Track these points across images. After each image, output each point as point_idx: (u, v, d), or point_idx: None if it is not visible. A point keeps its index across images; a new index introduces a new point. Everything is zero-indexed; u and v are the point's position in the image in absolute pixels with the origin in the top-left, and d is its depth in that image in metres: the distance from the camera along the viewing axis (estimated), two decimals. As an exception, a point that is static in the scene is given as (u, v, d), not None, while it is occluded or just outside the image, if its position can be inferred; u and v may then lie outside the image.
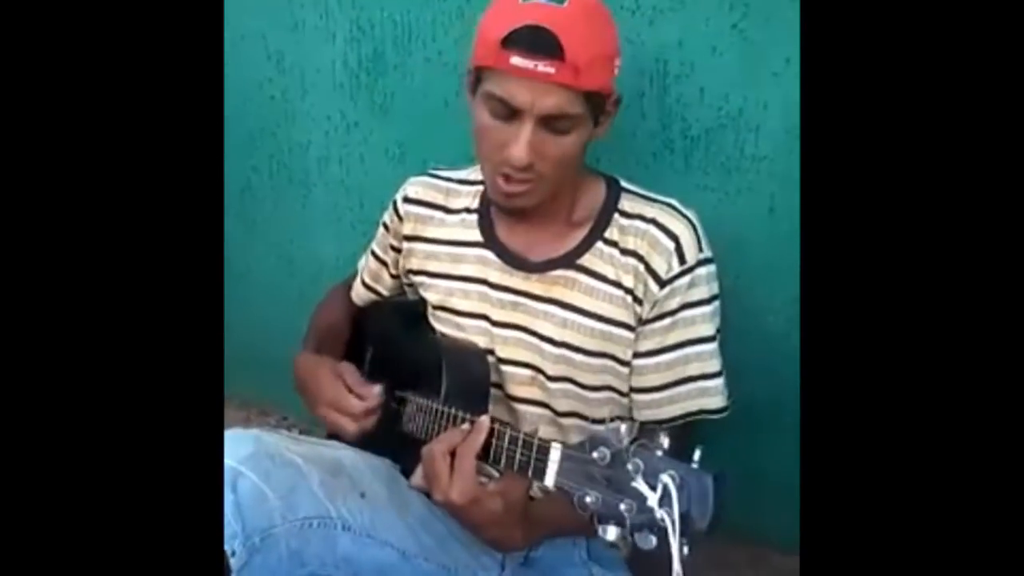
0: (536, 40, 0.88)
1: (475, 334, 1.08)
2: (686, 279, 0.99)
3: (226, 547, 0.87)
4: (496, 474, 0.91)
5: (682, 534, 0.67)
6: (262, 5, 1.53)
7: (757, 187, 1.22)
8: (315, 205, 1.65)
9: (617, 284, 1.01)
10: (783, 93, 1.16)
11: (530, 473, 0.83)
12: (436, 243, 1.12)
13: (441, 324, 1.12)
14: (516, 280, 1.06)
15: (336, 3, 1.46)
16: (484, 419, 0.89)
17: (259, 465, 0.92)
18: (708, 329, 1.01)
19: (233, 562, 0.88)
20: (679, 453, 0.73)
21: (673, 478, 0.68)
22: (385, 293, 1.24)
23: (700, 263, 1.00)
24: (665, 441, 0.71)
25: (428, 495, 0.94)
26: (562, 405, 1.06)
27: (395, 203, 1.16)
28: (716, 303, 1.03)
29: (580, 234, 1.04)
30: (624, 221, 1.03)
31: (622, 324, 1.02)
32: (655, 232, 1.00)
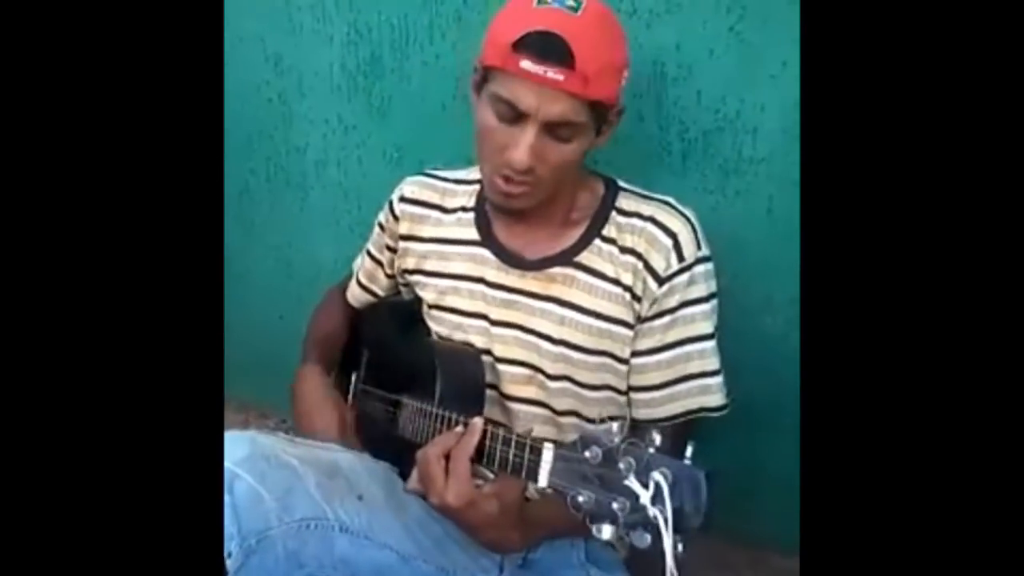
0: (548, 46, 0.88)
1: (472, 333, 1.08)
2: (685, 276, 0.99)
3: (222, 549, 0.87)
4: (492, 475, 0.91)
5: (675, 531, 0.67)
6: (260, 8, 1.54)
7: (755, 189, 1.22)
8: (313, 207, 1.65)
9: (616, 282, 1.01)
10: (780, 95, 1.16)
11: (523, 474, 0.83)
12: (432, 242, 1.12)
13: (438, 324, 1.12)
14: (513, 278, 1.06)
15: (334, 6, 1.47)
16: (477, 421, 0.89)
17: (255, 467, 0.92)
18: (707, 327, 1.02)
19: (229, 564, 0.87)
20: (677, 451, 0.73)
21: (665, 475, 0.68)
22: (381, 293, 1.24)
23: (698, 260, 1.00)
24: (657, 439, 0.71)
25: (425, 498, 0.93)
26: (561, 404, 1.06)
27: (391, 203, 1.16)
28: (714, 301, 1.03)
29: (577, 232, 1.04)
30: (622, 219, 1.03)
31: (621, 322, 1.02)
32: (653, 229, 1.01)
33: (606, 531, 0.72)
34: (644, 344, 1.02)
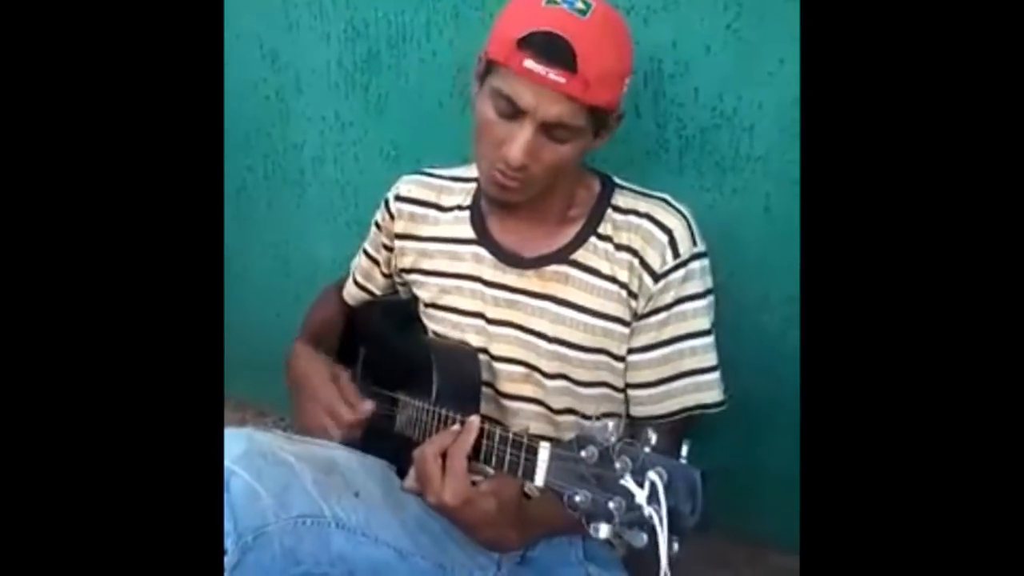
0: (552, 48, 0.88)
1: (469, 332, 1.08)
2: (680, 273, 0.99)
3: (218, 546, 0.87)
4: (490, 471, 0.91)
5: (671, 531, 0.67)
6: (257, 5, 1.53)
7: (752, 186, 1.22)
8: (310, 205, 1.65)
9: (612, 279, 1.01)
10: (777, 93, 1.15)
11: (520, 473, 0.83)
12: (429, 241, 1.12)
13: (434, 322, 1.12)
14: (510, 277, 1.06)
15: (331, 3, 1.46)
16: (474, 419, 0.89)
17: (251, 464, 0.92)
18: (703, 323, 1.02)
19: (226, 560, 0.88)
20: (674, 449, 0.73)
21: (661, 475, 0.68)
22: (377, 292, 1.24)
23: (694, 257, 1.00)
24: (653, 438, 0.71)
25: (422, 497, 0.93)
26: (558, 402, 1.06)
27: (387, 201, 1.16)
28: (711, 297, 1.03)
29: (573, 230, 1.04)
30: (618, 216, 1.03)
31: (617, 319, 1.02)
32: (649, 226, 1.01)
33: (603, 530, 0.72)
34: (640, 341, 1.02)
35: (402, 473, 1.05)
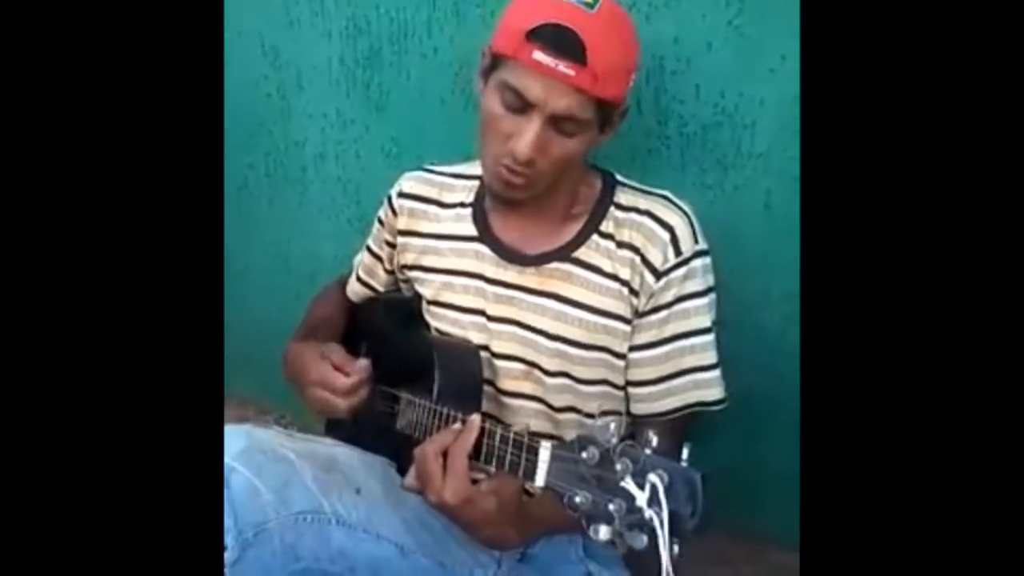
0: (561, 40, 0.88)
1: (471, 329, 1.08)
2: (682, 271, 0.99)
3: (219, 542, 0.87)
4: (491, 470, 0.91)
5: (671, 533, 0.67)
6: (258, 2, 1.53)
7: (753, 183, 1.22)
8: (312, 202, 1.64)
9: (613, 277, 1.01)
10: (779, 90, 1.15)
11: (521, 473, 0.83)
12: (431, 238, 1.12)
13: (436, 319, 1.12)
14: (511, 274, 1.05)
15: (332, 0, 1.46)
16: (475, 418, 0.89)
17: (252, 460, 0.92)
18: (704, 321, 1.01)
19: (226, 556, 0.88)
20: (675, 447, 0.73)
21: (661, 477, 0.68)
22: (380, 288, 1.24)
23: (696, 255, 1.00)
24: (654, 440, 0.71)
25: (422, 495, 0.93)
26: (558, 400, 1.06)
27: (389, 198, 1.16)
28: (712, 295, 1.03)
29: (575, 227, 1.04)
30: (619, 214, 1.03)
31: (618, 317, 1.02)
32: (650, 224, 1.00)
33: (602, 532, 0.72)
34: (641, 339, 1.02)
35: (402, 471, 1.05)
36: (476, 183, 1.11)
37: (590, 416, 1.06)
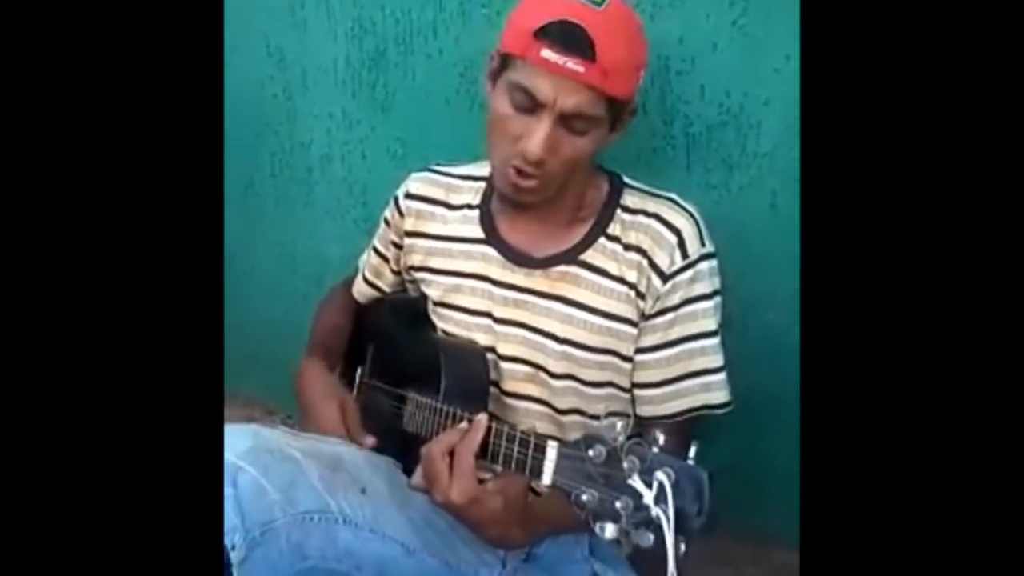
0: (570, 37, 0.88)
1: (477, 331, 1.08)
2: (688, 273, 0.99)
3: (226, 541, 0.87)
4: (498, 469, 0.91)
5: (678, 531, 0.67)
6: (264, 3, 1.54)
7: (758, 183, 1.22)
8: (318, 203, 1.65)
9: (620, 280, 1.01)
10: (784, 89, 1.15)
11: (527, 471, 0.83)
12: (437, 239, 1.12)
13: (443, 321, 1.12)
14: (518, 277, 1.06)
15: (338, 1, 1.46)
16: (482, 418, 0.89)
17: (258, 459, 0.92)
18: (710, 324, 1.01)
19: (233, 556, 0.88)
20: (681, 449, 0.73)
21: (668, 475, 0.68)
22: (387, 289, 1.25)
23: (702, 257, 1.00)
24: (661, 438, 0.71)
25: (429, 494, 0.94)
26: (564, 403, 1.06)
27: (396, 199, 1.16)
28: (718, 298, 1.03)
29: (582, 230, 1.04)
30: (627, 216, 1.03)
31: (625, 320, 1.02)
32: (658, 227, 1.00)
33: (609, 530, 0.72)
34: (648, 341, 1.02)
35: (408, 471, 1.05)
36: (483, 184, 1.11)
37: (595, 418, 1.06)
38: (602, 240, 1.03)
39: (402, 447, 1.06)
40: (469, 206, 1.11)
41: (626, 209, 1.04)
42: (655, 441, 0.71)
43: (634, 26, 0.95)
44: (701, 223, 1.02)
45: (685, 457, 0.72)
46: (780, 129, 1.18)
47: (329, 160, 1.60)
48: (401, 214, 1.15)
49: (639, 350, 1.02)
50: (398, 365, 1.15)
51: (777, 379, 1.26)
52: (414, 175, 1.17)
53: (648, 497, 0.69)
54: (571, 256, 1.03)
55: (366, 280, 1.26)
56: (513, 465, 0.85)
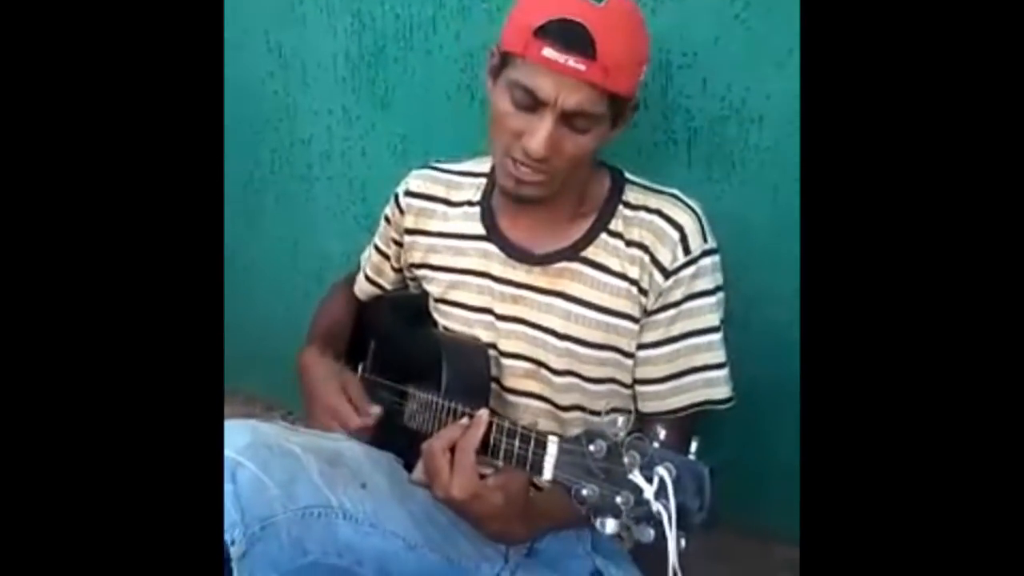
0: (571, 35, 0.88)
1: (478, 327, 1.08)
2: (691, 269, 0.99)
3: (226, 536, 0.87)
4: (499, 465, 0.91)
5: (679, 526, 0.67)
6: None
7: (760, 177, 1.21)
8: (318, 199, 1.64)
9: (622, 276, 1.01)
10: (786, 83, 1.15)
11: (528, 467, 0.83)
12: (438, 236, 1.12)
13: (444, 317, 1.12)
14: (519, 273, 1.05)
15: (338, -4, 1.46)
16: (483, 413, 0.89)
17: (257, 454, 0.92)
18: (712, 319, 1.01)
19: (233, 551, 0.88)
20: (682, 444, 0.73)
21: (669, 470, 0.68)
22: (388, 287, 1.24)
23: (704, 253, 1.00)
24: (662, 433, 0.71)
25: (430, 490, 0.93)
26: (565, 399, 1.06)
27: (396, 196, 1.16)
28: (721, 293, 1.02)
29: (584, 226, 1.04)
30: (628, 212, 1.03)
31: (627, 316, 1.01)
32: (660, 223, 1.00)
33: (610, 525, 0.72)
34: (649, 337, 1.01)
35: (409, 467, 1.05)
36: (484, 181, 1.11)
37: (596, 414, 1.06)
38: (604, 236, 1.03)
39: (403, 443, 1.06)
40: (470, 202, 1.11)
41: (628, 205, 1.03)
42: (656, 436, 0.71)
43: (635, 21, 0.94)
44: (703, 219, 1.01)
45: (686, 453, 0.71)
46: (782, 123, 1.17)
47: (329, 156, 1.59)
48: (401, 212, 1.15)
49: (641, 346, 1.02)
50: (399, 361, 1.15)
51: (779, 374, 1.25)
52: (414, 172, 1.16)
53: (649, 492, 0.69)
54: (572, 252, 1.03)
55: (367, 278, 1.25)
56: (514, 461, 0.85)
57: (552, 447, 0.80)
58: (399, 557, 0.99)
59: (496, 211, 1.08)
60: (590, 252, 1.03)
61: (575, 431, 0.89)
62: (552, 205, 1.02)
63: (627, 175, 1.07)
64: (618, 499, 0.71)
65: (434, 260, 1.12)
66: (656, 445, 0.71)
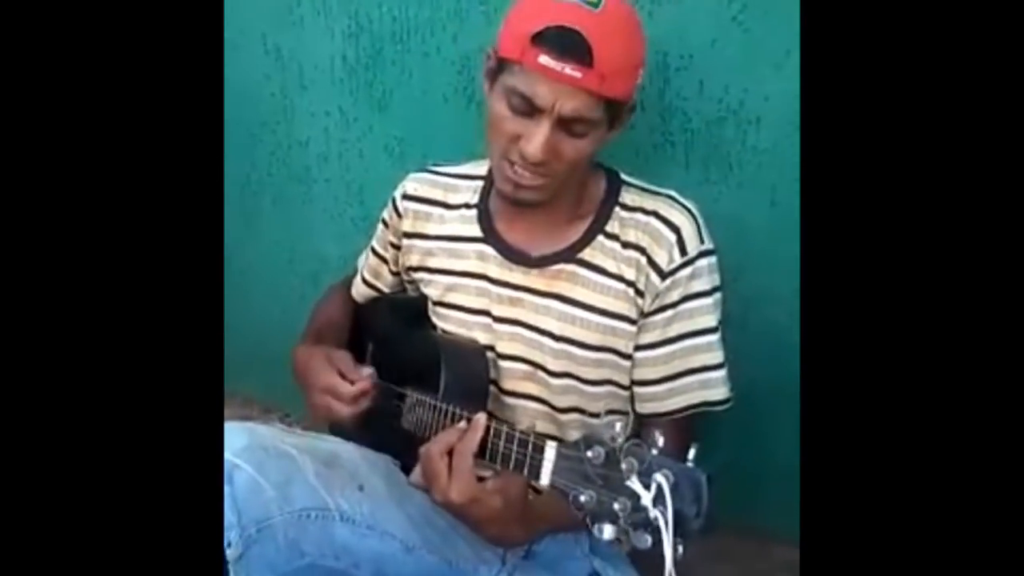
0: (567, 42, 0.87)
1: (476, 330, 1.08)
2: (687, 271, 0.99)
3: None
4: (497, 469, 0.91)
5: (676, 533, 0.67)
6: (261, 2, 1.53)
7: (758, 179, 1.21)
8: (315, 202, 1.64)
9: (619, 277, 1.01)
10: (783, 85, 1.15)
11: (526, 472, 0.83)
12: (436, 239, 1.12)
13: (442, 320, 1.12)
14: (517, 275, 1.05)
15: (334, -1, 1.46)
16: (480, 417, 0.89)
17: (254, 456, 0.92)
18: (710, 320, 1.01)
19: (230, 553, 0.88)
20: (681, 446, 0.73)
21: (667, 477, 0.68)
22: (385, 290, 1.24)
23: (701, 254, 1.00)
24: (660, 440, 0.71)
25: (428, 493, 0.93)
26: (563, 401, 1.06)
27: (394, 200, 1.16)
28: (718, 295, 1.02)
29: (581, 228, 1.04)
30: (625, 214, 1.03)
31: (624, 318, 1.01)
32: (656, 224, 1.00)
33: (607, 531, 0.72)
34: (646, 339, 1.01)
35: (407, 469, 1.05)
36: (481, 184, 1.11)
37: (594, 416, 1.06)
38: (600, 238, 1.03)
39: (401, 445, 1.06)
40: (467, 205, 1.11)
41: (624, 207, 1.03)
42: (654, 443, 0.71)
43: (632, 25, 0.94)
44: (700, 220, 1.01)
45: (685, 454, 0.71)
46: (780, 125, 1.17)
47: (326, 159, 1.59)
48: (399, 215, 1.15)
49: (638, 347, 1.02)
50: (398, 363, 1.14)
51: (777, 375, 1.25)
52: (411, 175, 1.16)
53: (646, 499, 0.69)
54: (569, 254, 1.03)
55: (365, 281, 1.25)
56: (512, 465, 0.85)
57: (550, 452, 0.80)
58: (396, 559, 0.99)
59: (493, 213, 1.08)
60: (587, 254, 1.03)
61: (573, 433, 0.89)
62: (549, 207, 1.02)
63: (624, 177, 1.07)
64: (615, 505, 0.71)
65: (432, 263, 1.12)
66: (654, 452, 0.70)
